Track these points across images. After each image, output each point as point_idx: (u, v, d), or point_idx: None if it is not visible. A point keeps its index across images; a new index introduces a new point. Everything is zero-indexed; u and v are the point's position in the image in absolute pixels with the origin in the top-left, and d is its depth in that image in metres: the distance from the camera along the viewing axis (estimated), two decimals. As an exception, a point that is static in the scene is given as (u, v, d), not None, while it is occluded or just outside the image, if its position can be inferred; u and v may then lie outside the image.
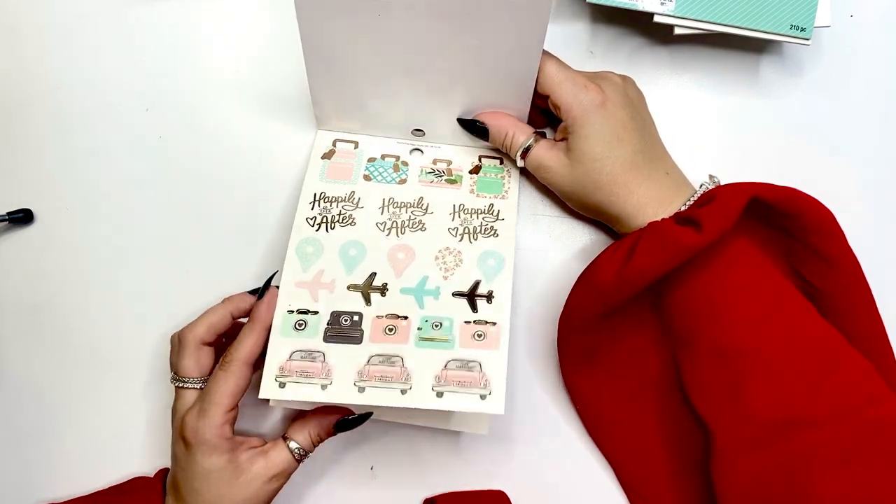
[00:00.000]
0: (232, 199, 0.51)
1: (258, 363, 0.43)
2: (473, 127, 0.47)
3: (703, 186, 0.44)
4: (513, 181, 0.49)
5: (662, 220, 0.43)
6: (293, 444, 0.44)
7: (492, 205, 0.47)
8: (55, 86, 0.52)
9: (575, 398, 0.49)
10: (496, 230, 0.46)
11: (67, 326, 0.51)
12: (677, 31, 0.47)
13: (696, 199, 0.44)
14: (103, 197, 0.52)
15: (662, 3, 0.46)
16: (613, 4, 0.46)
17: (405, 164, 0.48)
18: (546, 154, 0.46)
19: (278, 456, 0.43)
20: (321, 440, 0.45)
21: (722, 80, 0.52)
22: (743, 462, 0.41)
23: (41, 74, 0.53)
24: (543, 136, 0.47)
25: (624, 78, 0.47)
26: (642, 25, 0.51)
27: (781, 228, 0.45)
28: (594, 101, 0.43)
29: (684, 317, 0.44)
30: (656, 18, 0.46)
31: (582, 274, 0.46)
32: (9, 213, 0.51)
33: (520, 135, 0.46)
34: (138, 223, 0.52)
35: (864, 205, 0.51)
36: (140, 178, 0.52)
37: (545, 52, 0.44)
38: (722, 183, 0.45)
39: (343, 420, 0.44)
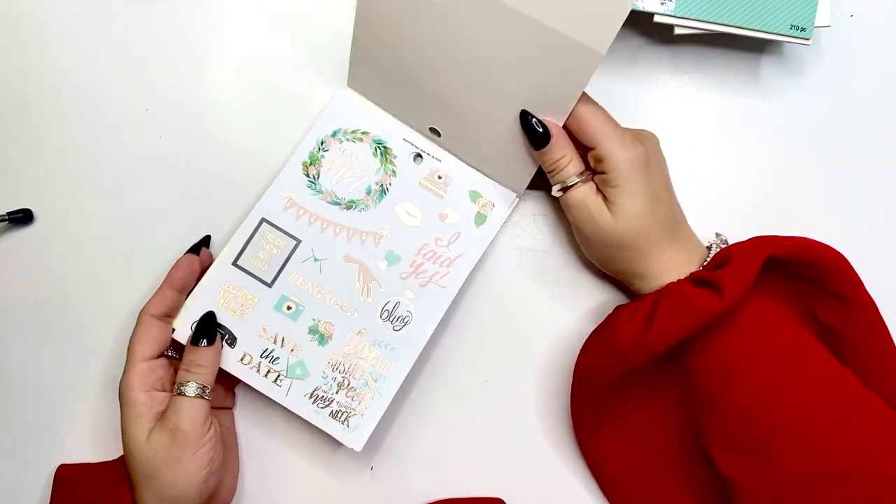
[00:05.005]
0: (232, 199, 0.51)
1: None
2: (533, 129, 0.44)
3: (714, 246, 0.44)
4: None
5: (679, 282, 0.43)
6: (189, 387, 0.43)
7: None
8: (55, 86, 0.53)
9: (589, 459, 0.48)
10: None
11: (68, 326, 0.51)
12: (677, 31, 0.47)
13: (710, 259, 0.44)
14: (103, 197, 0.52)
15: (662, 3, 0.46)
16: (613, 4, 0.46)
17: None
18: (592, 198, 0.44)
19: (181, 405, 0.43)
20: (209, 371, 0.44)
21: (722, 80, 0.52)
22: None
23: (41, 74, 0.53)
24: (591, 177, 0.45)
25: (653, 135, 0.46)
26: (642, 25, 0.51)
27: (796, 276, 0.45)
28: (641, 158, 0.42)
29: (704, 380, 0.43)
30: (656, 18, 0.46)
31: (596, 336, 0.45)
32: (9, 213, 0.51)
33: (576, 164, 0.44)
34: (138, 223, 0.52)
35: (865, 205, 0.51)
36: (140, 178, 0.52)
37: (595, 105, 0.43)
38: (728, 240, 0.45)
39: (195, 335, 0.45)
